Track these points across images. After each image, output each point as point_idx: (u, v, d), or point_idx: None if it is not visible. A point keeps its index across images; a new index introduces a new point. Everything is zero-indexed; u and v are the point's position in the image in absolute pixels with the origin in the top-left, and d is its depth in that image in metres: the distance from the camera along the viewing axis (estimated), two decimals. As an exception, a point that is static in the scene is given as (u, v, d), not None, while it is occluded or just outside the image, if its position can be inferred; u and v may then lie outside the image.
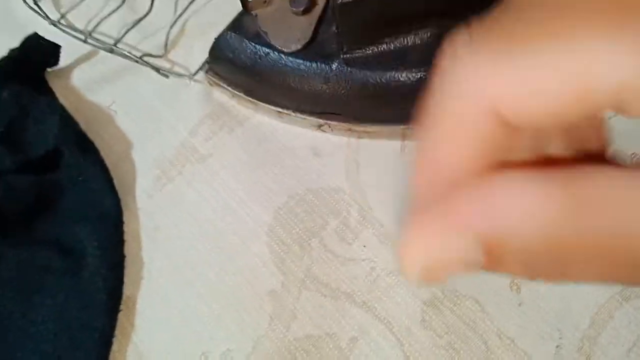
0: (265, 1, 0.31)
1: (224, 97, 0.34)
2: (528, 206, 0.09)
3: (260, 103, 0.32)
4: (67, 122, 0.32)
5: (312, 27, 0.30)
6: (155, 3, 0.36)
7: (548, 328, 0.26)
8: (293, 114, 0.32)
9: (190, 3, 0.37)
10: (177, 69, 0.35)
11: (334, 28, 0.29)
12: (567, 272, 0.10)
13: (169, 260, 0.30)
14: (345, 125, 0.31)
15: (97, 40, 0.35)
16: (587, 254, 0.09)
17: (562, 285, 0.26)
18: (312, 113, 0.31)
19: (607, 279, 0.10)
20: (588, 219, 0.09)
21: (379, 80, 0.29)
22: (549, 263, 0.10)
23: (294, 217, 0.30)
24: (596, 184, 0.09)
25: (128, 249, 0.30)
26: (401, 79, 0.29)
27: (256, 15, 0.31)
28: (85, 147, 0.32)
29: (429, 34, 0.29)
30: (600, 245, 0.09)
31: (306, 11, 0.30)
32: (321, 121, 0.31)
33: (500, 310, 0.26)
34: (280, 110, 0.32)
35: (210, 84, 0.34)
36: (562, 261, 0.10)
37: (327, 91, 0.30)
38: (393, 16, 0.28)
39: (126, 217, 0.31)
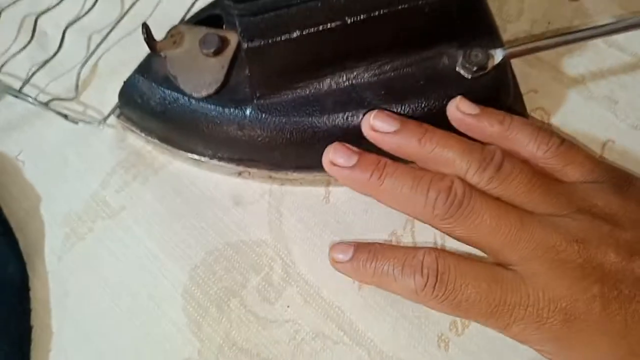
0: (175, 42, 0.29)
1: (138, 142, 0.31)
2: None
3: (176, 150, 0.30)
4: (-36, 179, 0.29)
5: (225, 70, 0.28)
6: (66, 40, 0.33)
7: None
8: (211, 161, 0.29)
9: (103, 40, 0.34)
10: (90, 112, 0.33)
11: (247, 71, 0.27)
12: None
13: (79, 330, 0.27)
14: (266, 173, 0.29)
15: (1, 82, 0.32)
16: None
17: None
18: (230, 160, 0.29)
19: None
20: None
21: (295, 127, 0.27)
22: None
23: (211, 276, 0.28)
24: None
25: (36, 318, 0.28)
26: (318, 124, 0.27)
27: (165, 57, 0.28)
28: (-14, 205, 0.30)
29: (344, 78, 0.27)
30: None
31: (217, 52, 0.28)
32: (240, 168, 0.29)
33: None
34: (196, 157, 0.30)
35: (124, 129, 0.31)
36: None
37: (243, 138, 0.28)
38: (305, 61, 0.26)
39: (34, 283, 0.29)
